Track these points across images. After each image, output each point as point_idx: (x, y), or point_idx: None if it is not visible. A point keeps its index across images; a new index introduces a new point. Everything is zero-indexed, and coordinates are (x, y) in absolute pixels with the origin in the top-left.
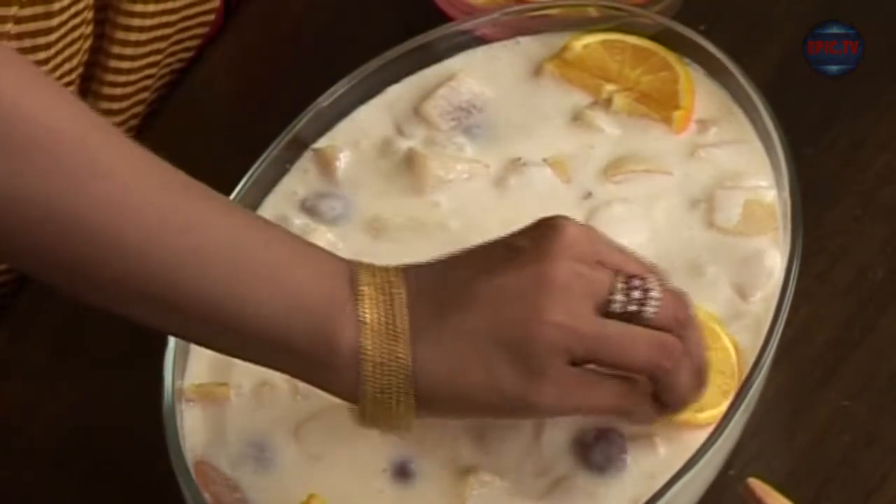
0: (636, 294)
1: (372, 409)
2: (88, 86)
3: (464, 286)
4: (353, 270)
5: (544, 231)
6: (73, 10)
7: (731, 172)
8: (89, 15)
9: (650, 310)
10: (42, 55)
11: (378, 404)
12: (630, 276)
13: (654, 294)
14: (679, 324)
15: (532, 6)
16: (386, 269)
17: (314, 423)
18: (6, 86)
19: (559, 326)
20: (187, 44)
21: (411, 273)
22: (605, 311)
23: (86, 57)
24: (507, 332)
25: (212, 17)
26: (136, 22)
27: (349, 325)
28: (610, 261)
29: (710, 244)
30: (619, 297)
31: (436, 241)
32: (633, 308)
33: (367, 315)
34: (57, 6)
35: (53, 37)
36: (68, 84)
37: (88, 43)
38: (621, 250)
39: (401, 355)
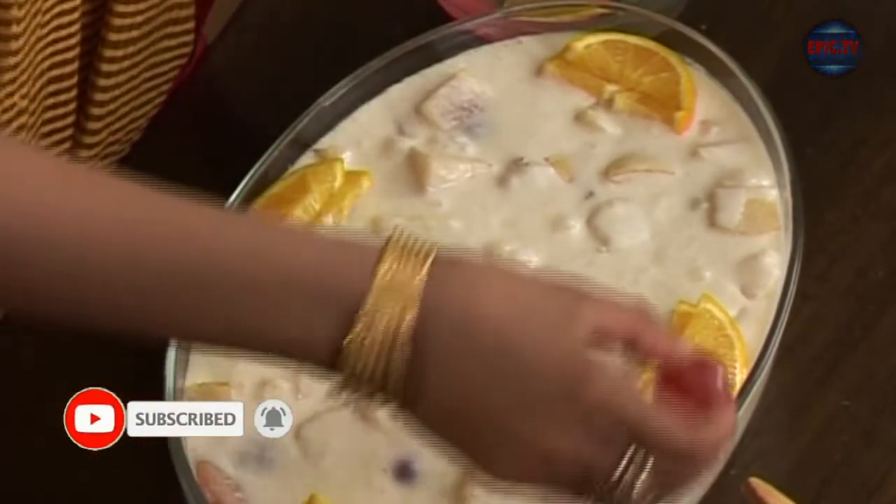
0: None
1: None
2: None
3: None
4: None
5: (574, 379)
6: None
7: (732, 171)
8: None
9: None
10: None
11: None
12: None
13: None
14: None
15: (534, 6)
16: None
17: (315, 422)
18: None
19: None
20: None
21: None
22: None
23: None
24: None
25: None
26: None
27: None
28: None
29: (712, 244)
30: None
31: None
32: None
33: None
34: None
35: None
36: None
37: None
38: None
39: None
